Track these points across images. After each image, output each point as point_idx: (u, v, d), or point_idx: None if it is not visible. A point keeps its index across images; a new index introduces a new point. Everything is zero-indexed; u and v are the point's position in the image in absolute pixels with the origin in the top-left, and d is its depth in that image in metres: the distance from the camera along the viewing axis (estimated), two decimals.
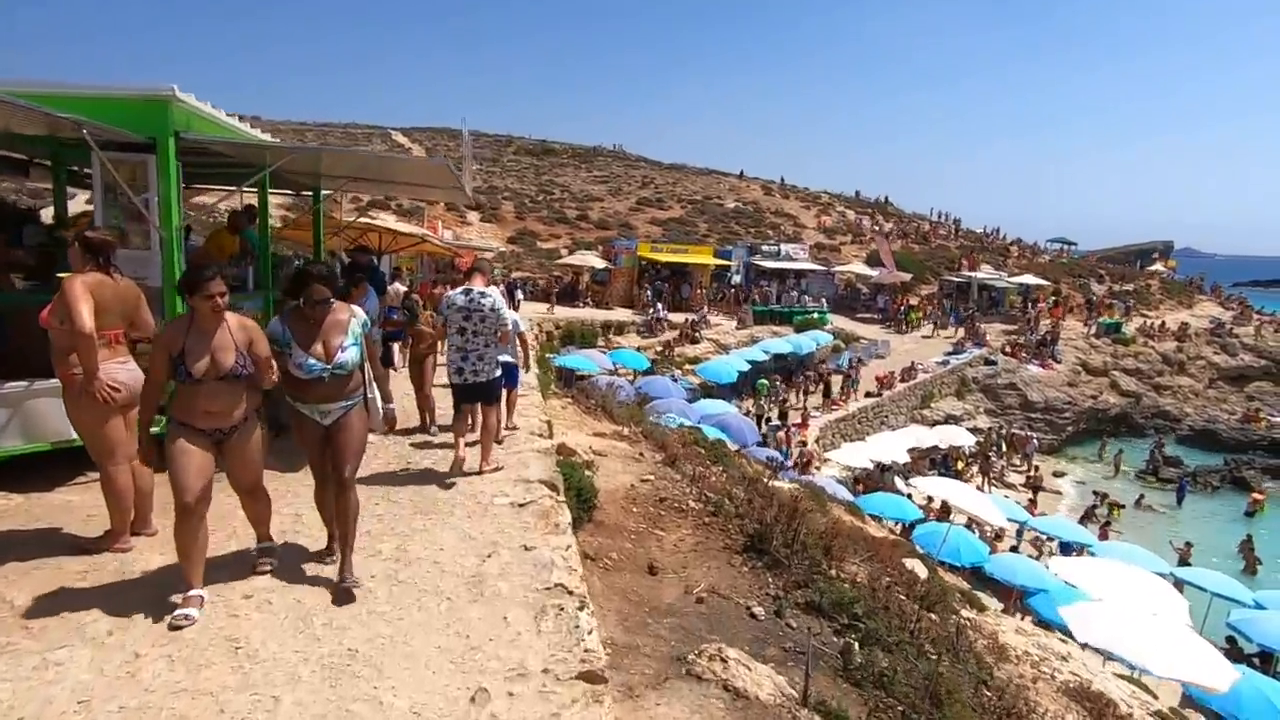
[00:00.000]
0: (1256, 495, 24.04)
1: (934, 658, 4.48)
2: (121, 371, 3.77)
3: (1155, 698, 8.46)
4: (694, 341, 27.05)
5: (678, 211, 48.63)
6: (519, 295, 24.12)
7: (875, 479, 19.19)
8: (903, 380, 26.69)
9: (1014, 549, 17.48)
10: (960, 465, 23.42)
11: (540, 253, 37.66)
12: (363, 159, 7.20)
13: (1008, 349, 31.61)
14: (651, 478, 6.44)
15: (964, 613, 6.94)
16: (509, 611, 3.32)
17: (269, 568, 3.66)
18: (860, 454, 19.24)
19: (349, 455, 3.62)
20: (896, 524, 15.62)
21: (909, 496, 17.43)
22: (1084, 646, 8.43)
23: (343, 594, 3.37)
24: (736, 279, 33.83)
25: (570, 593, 3.51)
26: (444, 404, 6.88)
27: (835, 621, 4.61)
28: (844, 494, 15.04)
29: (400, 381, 7.43)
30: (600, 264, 30.97)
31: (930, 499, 17.34)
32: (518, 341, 6.32)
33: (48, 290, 4.48)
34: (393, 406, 4.06)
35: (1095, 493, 23.05)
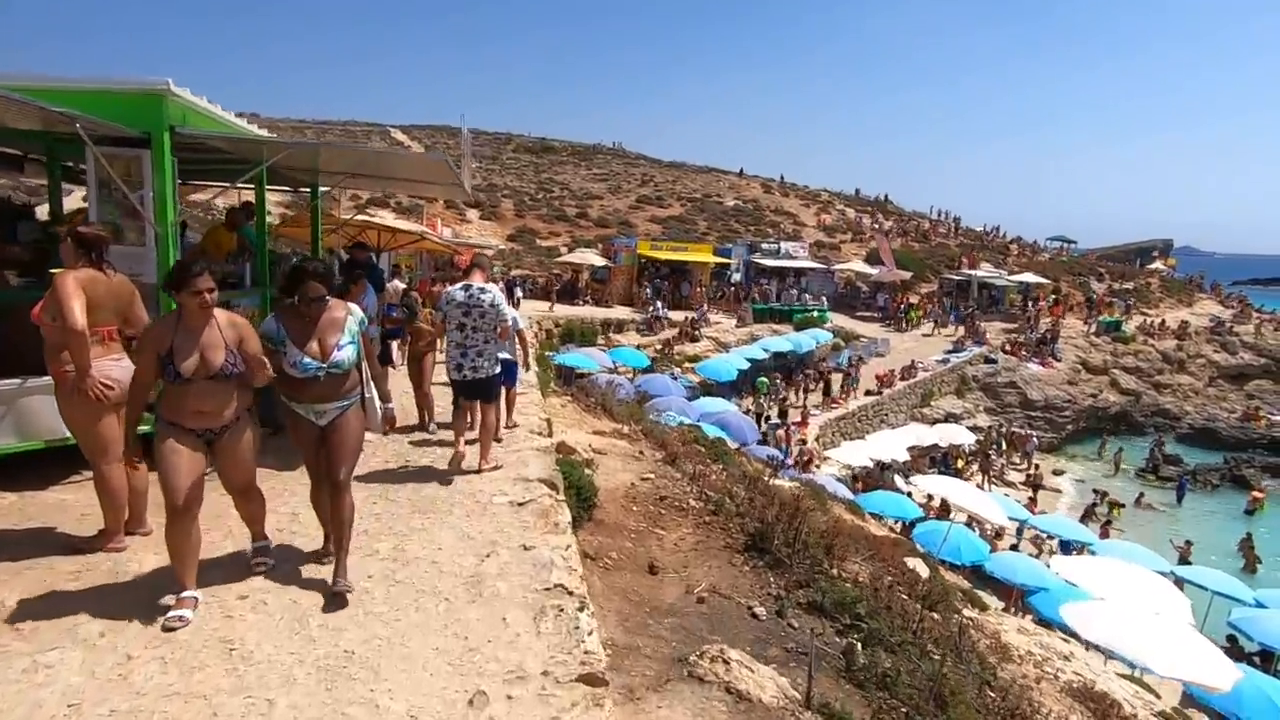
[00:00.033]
0: (1256, 493, 24.04)
1: (937, 658, 4.44)
2: (115, 369, 3.71)
3: (1158, 697, 8.42)
4: (694, 340, 27.00)
5: (677, 209, 48.56)
6: (518, 293, 24.06)
7: (875, 477, 19.16)
8: (903, 378, 26.66)
9: (1014, 547, 17.47)
10: (960, 463, 23.40)
11: (540, 251, 37.60)
12: (361, 154, 7.14)
13: (1008, 347, 31.58)
14: (651, 476, 6.40)
15: (966, 612, 6.90)
16: (508, 612, 3.27)
17: (265, 568, 3.61)
18: (860, 452, 19.21)
19: (344, 457, 3.55)
20: (897, 522, 15.59)
21: (909, 495, 17.40)
22: (1088, 647, 8.40)
23: (334, 600, 3.30)
24: (736, 277, 33.79)
25: (570, 593, 3.46)
26: (442, 402, 6.83)
27: (837, 622, 4.57)
28: (844, 492, 15.00)
29: (399, 379, 7.38)
30: (600, 262, 30.92)
31: (930, 497, 17.31)
32: (517, 339, 6.27)
33: (42, 287, 4.42)
34: (392, 406, 3.99)
35: (1095, 491, 23.04)
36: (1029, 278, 38.09)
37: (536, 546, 3.96)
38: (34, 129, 5.08)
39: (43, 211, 7.90)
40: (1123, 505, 21.79)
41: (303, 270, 3.50)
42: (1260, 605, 13.27)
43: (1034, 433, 27.42)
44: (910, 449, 20.67)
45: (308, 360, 3.46)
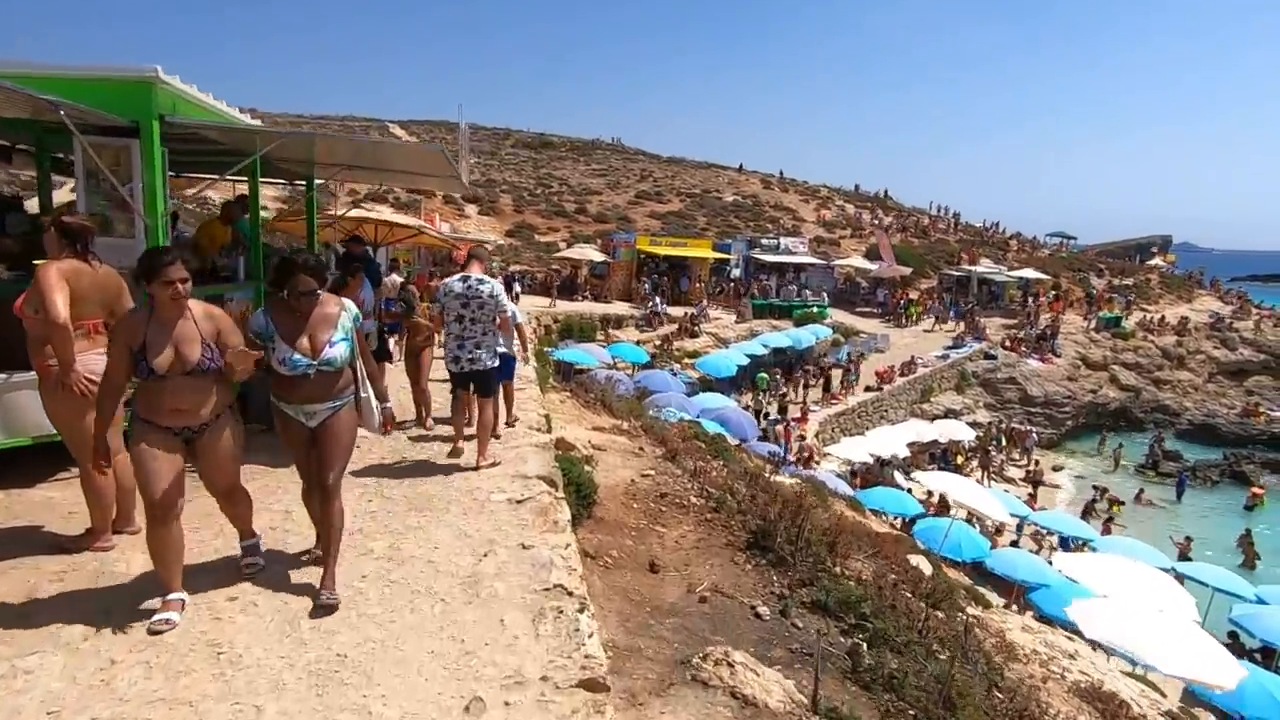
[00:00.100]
0: (1256, 490, 24.02)
1: (944, 659, 4.36)
2: (100, 363, 3.59)
3: (1163, 696, 8.36)
4: (693, 335, 26.92)
5: (676, 205, 48.42)
6: (516, 288, 23.95)
7: (875, 473, 19.10)
8: (902, 374, 26.59)
9: (1014, 544, 17.42)
10: (960, 459, 23.36)
11: (538, 246, 37.47)
12: (356, 145, 7.04)
13: (1007, 343, 31.51)
14: (652, 473, 6.31)
15: (970, 610, 6.82)
16: (506, 614, 3.17)
17: (255, 568, 3.50)
18: (860, 448, 19.15)
19: (334, 460, 3.38)
20: (897, 519, 15.53)
21: (909, 491, 17.34)
22: (1095, 647, 8.33)
23: (320, 610, 3.13)
24: (736, 273, 33.69)
25: (570, 594, 3.37)
26: (440, 398, 6.74)
27: (842, 621, 4.48)
28: (844, 489, 14.94)
29: (396, 375, 7.28)
30: (599, 257, 30.79)
31: (930, 493, 17.25)
32: (515, 333, 6.19)
33: (30, 279, 4.32)
34: (390, 405, 3.82)
35: (1095, 487, 23.01)
36: (1029, 273, 38.00)
37: (535, 545, 3.86)
38: (20, 117, 4.96)
39: (33, 205, 7.78)
40: (1123, 502, 21.76)
41: (292, 263, 3.32)
42: (1261, 601, 13.23)
43: (1033, 429, 27.39)
44: (910, 445, 20.61)
45: (297, 357, 3.29)
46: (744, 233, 40.61)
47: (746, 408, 21.53)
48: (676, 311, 28.21)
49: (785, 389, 24.50)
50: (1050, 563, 13.44)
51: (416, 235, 17.06)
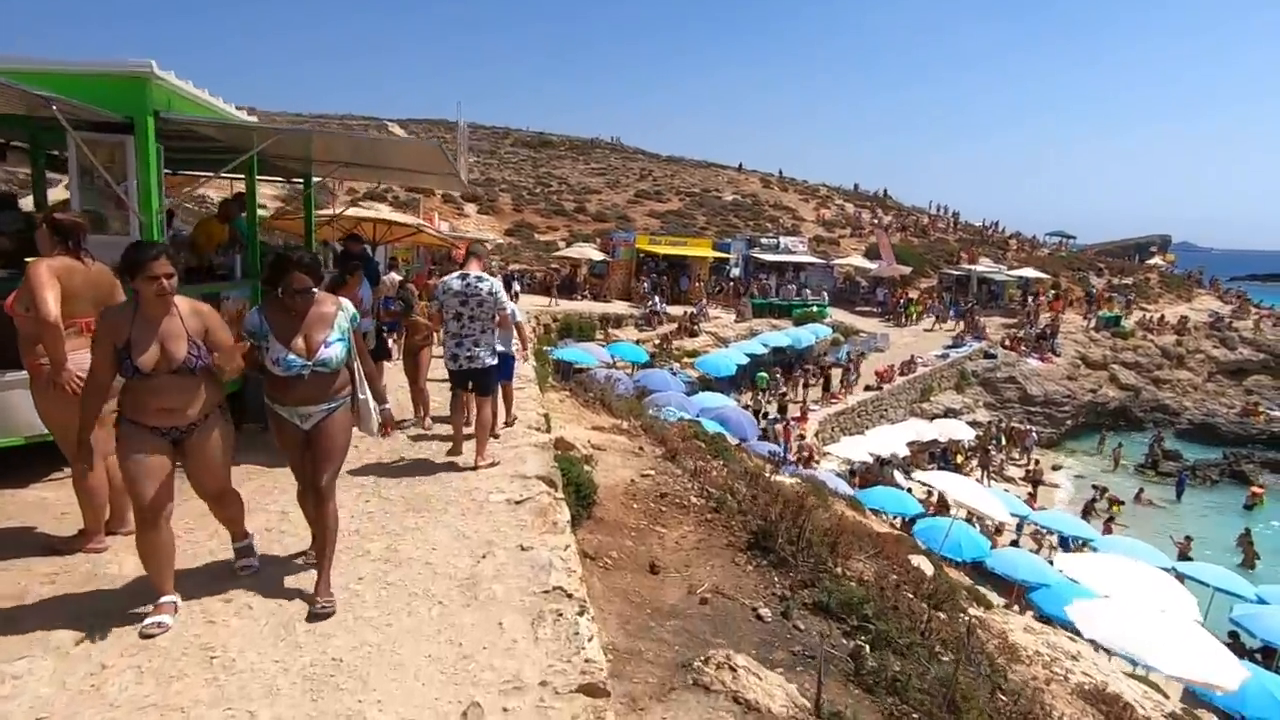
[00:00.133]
0: (1255, 489, 24.01)
1: (946, 660, 4.31)
2: None
3: (1166, 697, 8.32)
4: (692, 334, 26.86)
5: (676, 204, 48.37)
6: (516, 287, 23.89)
7: (875, 473, 19.06)
8: (902, 374, 26.55)
9: (1014, 543, 17.39)
10: (960, 459, 23.32)
11: (538, 245, 37.41)
12: (353, 141, 6.98)
13: (1007, 342, 31.47)
14: (652, 473, 6.26)
15: (972, 611, 6.78)
16: (504, 617, 3.12)
17: (249, 570, 3.44)
18: (859, 448, 19.10)
19: (327, 463, 3.28)
20: (896, 518, 15.49)
21: (909, 490, 17.30)
22: (1097, 648, 8.28)
23: (314, 618, 3.06)
24: (735, 272, 33.63)
25: (569, 596, 3.32)
26: (439, 398, 6.68)
27: (844, 623, 4.44)
28: (844, 488, 14.90)
29: (394, 374, 7.22)
30: (598, 256, 30.73)
31: (930, 493, 17.21)
32: (515, 331, 6.14)
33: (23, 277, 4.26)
34: (389, 407, 3.72)
35: (1094, 487, 22.99)
36: (1028, 273, 37.98)
37: (534, 547, 3.81)
38: (14, 113, 4.91)
39: (29, 203, 7.72)
40: (1122, 502, 21.73)
41: (287, 260, 3.22)
42: (1262, 601, 13.20)
43: (1033, 428, 27.36)
44: (910, 444, 20.57)
45: (292, 357, 3.19)
46: (743, 232, 40.56)
47: (746, 407, 21.48)
48: (676, 311, 28.15)
49: (785, 388, 24.45)
50: (1052, 563, 13.40)
51: (415, 234, 17.00)
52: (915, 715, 3.55)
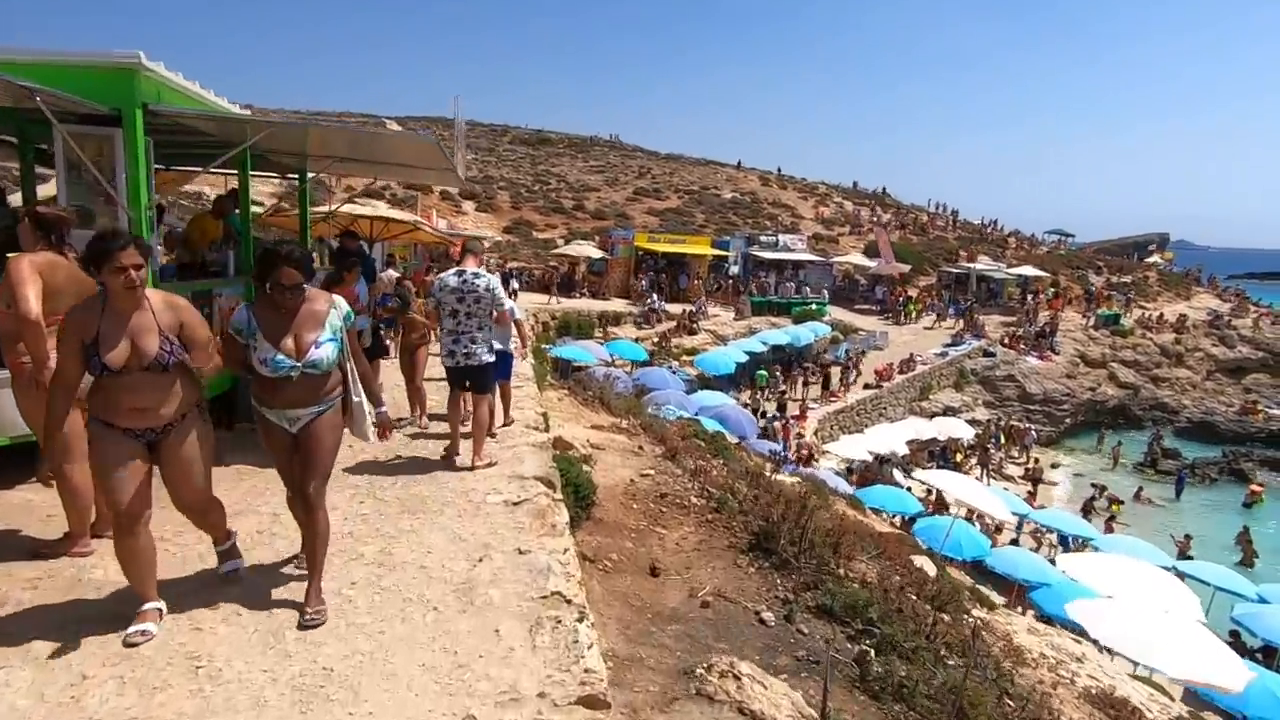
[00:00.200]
0: (1254, 487, 23.98)
1: (953, 665, 4.23)
2: None
3: (1172, 700, 8.25)
4: (691, 333, 26.76)
5: (675, 202, 48.22)
6: (514, 285, 23.77)
7: (874, 471, 18.99)
8: (901, 372, 26.48)
9: (1014, 542, 17.32)
10: (959, 457, 23.26)
11: (536, 243, 37.28)
12: (349, 135, 6.85)
13: (1006, 340, 31.42)
14: (651, 472, 6.17)
15: (976, 612, 6.70)
16: (501, 623, 3.03)
17: (234, 571, 3.33)
18: (859, 446, 19.04)
19: (316, 468, 3.11)
20: (896, 517, 15.42)
21: (909, 489, 17.23)
22: (1102, 649, 8.21)
23: (304, 628, 2.94)
24: (734, 270, 33.52)
25: (568, 602, 3.22)
26: (436, 396, 6.58)
27: (848, 627, 4.35)
28: (844, 487, 14.82)
29: (391, 372, 7.12)
30: (597, 254, 30.62)
31: (929, 491, 17.14)
32: (514, 329, 6.05)
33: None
34: (385, 410, 3.51)
35: (1094, 485, 22.94)
36: (1027, 271, 37.94)
37: (532, 550, 3.71)
38: (2, 106, 4.80)
39: (18, 198, 7.59)
40: (1122, 501, 21.68)
41: (275, 254, 3.05)
42: (1263, 600, 13.15)
43: (1032, 426, 27.32)
44: (909, 443, 20.50)
45: (280, 357, 3.03)
46: (742, 230, 40.43)
47: (745, 405, 21.40)
48: (675, 309, 28.05)
49: (784, 386, 24.37)
50: (1053, 562, 13.33)
51: (412, 231, 16.86)
52: None
